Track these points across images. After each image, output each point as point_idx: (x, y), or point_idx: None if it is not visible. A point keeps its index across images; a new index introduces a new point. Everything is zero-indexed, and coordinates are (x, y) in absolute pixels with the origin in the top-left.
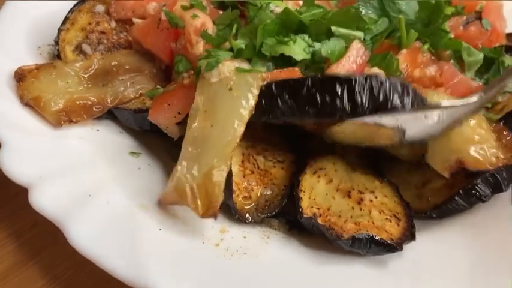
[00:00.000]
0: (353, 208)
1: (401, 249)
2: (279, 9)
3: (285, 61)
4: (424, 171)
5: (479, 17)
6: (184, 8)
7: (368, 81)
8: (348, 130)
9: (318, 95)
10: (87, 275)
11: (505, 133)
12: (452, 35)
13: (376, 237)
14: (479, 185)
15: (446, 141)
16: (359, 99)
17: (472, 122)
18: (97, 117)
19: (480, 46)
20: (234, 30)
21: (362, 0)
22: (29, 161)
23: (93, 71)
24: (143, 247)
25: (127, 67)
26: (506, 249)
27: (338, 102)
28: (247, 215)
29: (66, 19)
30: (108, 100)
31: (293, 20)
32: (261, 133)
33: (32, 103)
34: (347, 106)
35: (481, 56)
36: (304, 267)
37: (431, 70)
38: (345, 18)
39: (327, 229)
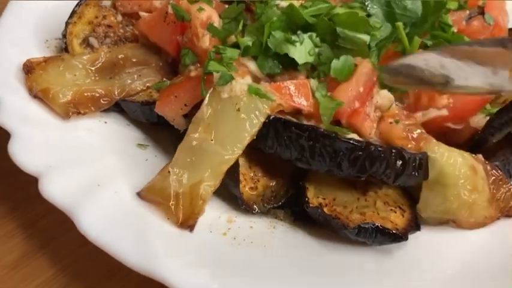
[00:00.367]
0: (358, 199)
1: (406, 238)
2: (285, 3)
3: (290, 59)
4: None
5: (481, 11)
6: (191, 1)
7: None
8: None
9: (322, 152)
10: (97, 264)
11: (503, 187)
12: (455, 30)
13: (382, 227)
14: None
15: (442, 200)
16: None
17: (470, 184)
18: (104, 109)
19: None
20: (240, 27)
21: None
22: (39, 151)
23: (100, 64)
24: (153, 236)
25: (134, 60)
26: None
27: (336, 166)
28: (254, 205)
29: (73, 13)
30: (116, 92)
31: (298, 16)
32: None
33: (40, 95)
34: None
35: None
36: (310, 257)
37: None
38: (351, 21)
39: (333, 218)
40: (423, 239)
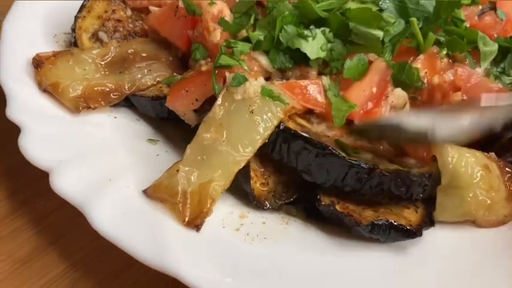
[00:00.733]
0: None
1: (420, 234)
2: None
3: (302, 54)
4: None
5: (493, 7)
6: None
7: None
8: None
9: (328, 170)
10: (108, 260)
11: None
12: (467, 25)
13: (395, 223)
14: None
15: (459, 203)
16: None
17: (485, 184)
18: (114, 104)
19: (495, 36)
20: (251, 21)
21: None
22: (49, 145)
23: (110, 59)
24: (165, 231)
25: (144, 55)
26: None
27: (340, 184)
28: (265, 201)
29: (82, 7)
30: (126, 87)
31: (310, 10)
32: None
33: (50, 89)
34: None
35: (496, 46)
36: (324, 253)
37: (449, 75)
38: (364, 16)
39: (345, 216)
40: (437, 234)
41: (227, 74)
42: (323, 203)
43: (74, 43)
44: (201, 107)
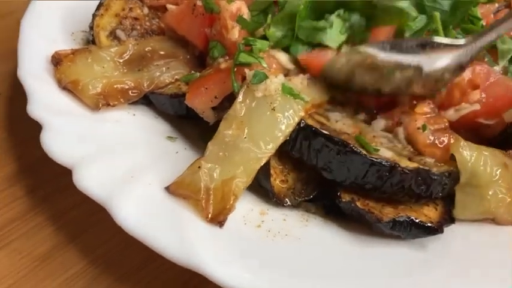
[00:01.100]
0: None
1: (442, 231)
2: None
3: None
4: None
5: (509, 5)
6: None
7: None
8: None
9: (349, 167)
10: (129, 255)
11: None
12: (484, 23)
13: (417, 220)
14: None
15: (479, 202)
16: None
17: (504, 181)
18: (132, 102)
19: None
20: (269, 20)
21: None
22: (71, 142)
23: (128, 56)
24: (188, 226)
25: (162, 53)
26: None
27: (361, 181)
28: (285, 198)
29: (100, 5)
30: (145, 85)
31: None
32: None
33: (70, 87)
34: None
35: None
36: (346, 249)
37: (468, 73)
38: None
39: (366, 212)
40: (458, 231)
41: (247, 71)
42: (344, 200)
43: (91, 41)
44: (219, 105)
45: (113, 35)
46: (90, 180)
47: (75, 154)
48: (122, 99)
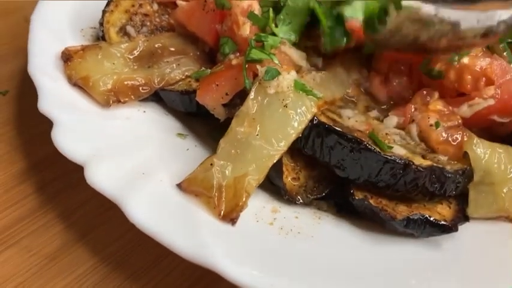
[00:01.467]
0: None
1: (456, 229)
2: None
3: None
4: None
5: None
6: None
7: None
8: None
9: (362, 165)
10: (140, 253)
11: None
12: None
13: (431, 218)
14: None
15: (493, 199)
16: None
17: None
18: (142, 99)
19: None
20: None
21: None
22: (82, 139)
23: (138, 53)
24: (201, 224)
25: (172, 49)
26: None
27: (374, 179)
28: (297, 196)
29: (110, 1)
30: (155, 81)
31: None
32: None
33: (80, 83)
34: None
35: None
36: (359, 247)
37: (482, 62)
38: None
39: (380, 210)
40: (472, 229)
41: (259, 67)
42: (357, 198)
43: (101, 37)
44: (230, 101)
45: (122, 32)
46: (102, 177)
47: (86, 151)
48: (132, 96)
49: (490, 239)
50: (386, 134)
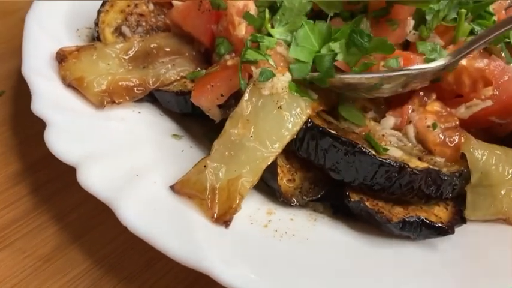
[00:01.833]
0: None
1: (453, 232)
2: None
3: None
4: None
5: None
6: None
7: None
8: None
9: (357, 168)
10: (133, 256)
11: None
12: (496, 18)
13: (427, 220)
14: None
15: (491, 201)
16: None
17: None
18: (137, 99)
19: None
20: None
21: None
22: (75, 140)
23: (133, 53)
24: (194, 226)
25: (167, 49)
26: None
27: (369, 182)
28: (292, 198)
29: (105, 1)
30: (150, 82)
31: None
32: None
33: (74, 84)
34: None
35: None
36: (355, 250)
37: (480, 63)
38: None
39: (376, 213)
40: (468, 231)
41: (253, 68)
42: (352, 200)
43: (96, 37)
44: (226, 102)
45: (118, 32)
46: (94, 179)
47: (79, 152)
48: (127, 97)
49: (487, 241)
50: (383, 135)
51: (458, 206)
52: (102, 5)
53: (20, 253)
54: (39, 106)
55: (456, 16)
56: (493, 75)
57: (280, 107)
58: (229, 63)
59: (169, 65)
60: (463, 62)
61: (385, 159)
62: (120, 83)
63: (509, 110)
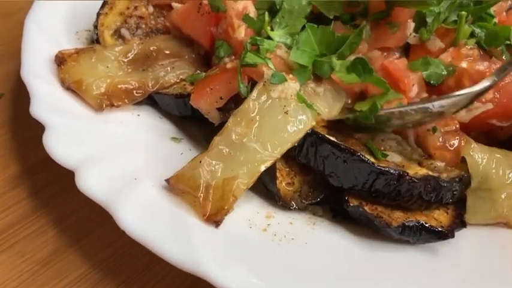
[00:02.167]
0: None
1: (453, 236)
2: None
3: None
4: None
5: None
6: None
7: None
8: None
9: (356, 175)
10: (131, 260)
11: None
12: (496, 20)
13: (427, 225)
14: None
15: (491, 205)
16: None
17: None
18: (136, 102)
19: None
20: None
21: None
22: (74, 144)
23: (132, 56)
24: (192, 231)
25: (167, 52)
26: None
27: (368, 189)
28: (291, 201)
29: (104, 3)
30: (150, 85)
31: None
32: None
33: (73, 87)
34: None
35: None
36: (354, 254)
37: (481, 66)
38: None
39: (375, 217)
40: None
41: (265, 69)
42: (351, 204)
43: (96, 40)
44: (225, 105)
45: (117, 34)
46: (93, 183)
47: (78, 156)
48: (126, 100)
49: (488, 245)
50: (382, 140)
51: (458, 209)
52: (102, 7)
53: (18, 256)
54: (38, 109)
55: (456, 18)
56: None
57: (286, 112)
58: (229, 66)
59: (169, 68)
60: (464, 64)
61: (384, 167)
62: (119, 86)
63: (509, 113)
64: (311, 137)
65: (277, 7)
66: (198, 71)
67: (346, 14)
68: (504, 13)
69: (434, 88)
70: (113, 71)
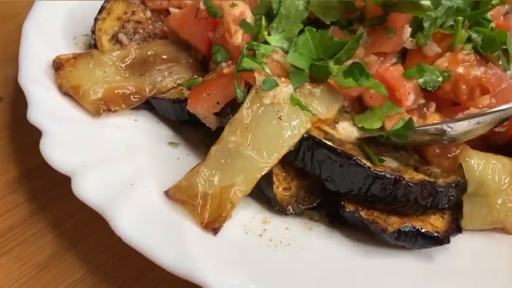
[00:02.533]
0: None
1: (448, 241)
2: None
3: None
4: None
5: None
6: None
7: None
8: None
9: (352, 179)
10: (128, 265)
11: None
12: (493, 25)
13: (423, 230)
14: None
15: (487, 211)
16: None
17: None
18: (134, 107)
19: None
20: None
21: None
22: (71, 149)
23: (130, 61)
24: (188, 237)
25: (164, 57)
26: None
27: (364, 193)
28: (287, 206)
29: (102, 8)
30: (147, 90)
31: None
32: None
33: (71, 92)
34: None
35: None
36: (349, 260)
37: (477, 71)
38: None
39: (371, 223)
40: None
41: (256, 75)
42: (347, 210)
43: (93, 45)
44: (222, 110)
45: (115, 39)
46: (89, 189)
47: (75, 161)
48: (123, 105)
49: (484, 250)
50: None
51: (454, 214)
52: (99, 12)
53: (16, 261)
54: (36, 115)
55: (453, 23)
56: (490, 83)
57: (280, 118)
58: (226, 71)
59: (166, 73)
60: (460, 70)
61: (380, 171)
62: (116, 91)
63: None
64: (307, 142)
65: (274, 12)
66: (195, 76)
67: (343, 20)
68: (501, 17)
69: (431, 94)
70: (111, 76)
